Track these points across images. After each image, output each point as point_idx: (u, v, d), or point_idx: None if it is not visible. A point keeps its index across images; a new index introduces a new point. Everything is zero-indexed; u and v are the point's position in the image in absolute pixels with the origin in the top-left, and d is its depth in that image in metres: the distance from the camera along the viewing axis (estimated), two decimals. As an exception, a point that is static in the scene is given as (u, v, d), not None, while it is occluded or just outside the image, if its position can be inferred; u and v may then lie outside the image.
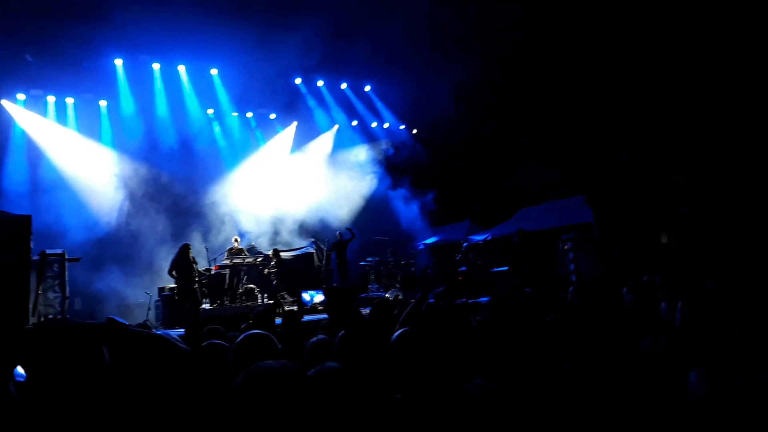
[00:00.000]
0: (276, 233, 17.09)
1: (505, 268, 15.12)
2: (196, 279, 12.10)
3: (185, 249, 12.09)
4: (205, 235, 15.50)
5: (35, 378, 1.91)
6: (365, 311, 7.07)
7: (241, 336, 2.77)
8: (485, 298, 11.32)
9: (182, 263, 11.88)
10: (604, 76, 15.50)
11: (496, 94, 16.68)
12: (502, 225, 17.04)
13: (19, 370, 2.72)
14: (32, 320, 10.12)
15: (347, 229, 15.38)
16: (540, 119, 16.51)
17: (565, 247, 13.99)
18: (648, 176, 15.45)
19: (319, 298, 13.32)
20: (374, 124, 19.68)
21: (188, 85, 16.16)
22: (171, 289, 12.88)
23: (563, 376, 2.22)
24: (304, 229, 17.47)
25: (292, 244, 16.97)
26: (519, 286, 4.60)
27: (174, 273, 11.87)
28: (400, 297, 13.44)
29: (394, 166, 19.45)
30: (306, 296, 13.34)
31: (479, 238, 16.96)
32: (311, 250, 16.45)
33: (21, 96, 14.43)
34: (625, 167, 15.32)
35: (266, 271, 13.96)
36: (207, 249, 13.71)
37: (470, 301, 6.87)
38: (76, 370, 1.95)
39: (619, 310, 4.98)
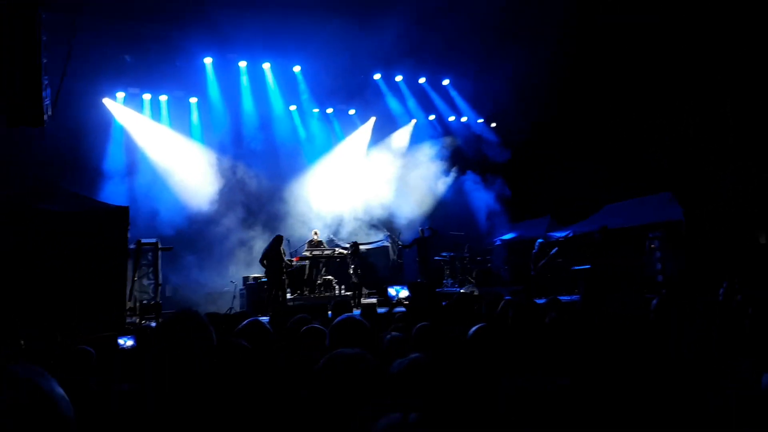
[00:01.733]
0: (353, 226, 17.37)
1: (587, 266, 14.65)
2: (285, 269, 12.63)
3: (278, 240, 12.66)
4: (287, 227, 15.98)
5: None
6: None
7: (339, 318, 2.92)
8: (566, 297, 11.06)
9: (273, 253, 12.43)
10: (698, 61, 14.67)
11: (579, 86, 16.14)
12: (584, 222, 16.46)
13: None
14: (129, 305, 10.84)
15: (430, 228, 15.34)
16: (626, 109, 15.86)
17: (652, 246, 13.40)
18: (743, 170, 14.51)
19: (404, 293, 13.44)
20: (452, 118, 19.55)
21: (273, 82, 16.72)
22: (255, 278, 13.43)
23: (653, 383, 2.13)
24: (380, 223, 17.67)
25: (368, 237, 17.21)
26: (601, 285, 4.45)
27: (265, 262, 12.44)
28: (476, 293, 13.36)
29: (471, 161, 19.25)
30: (392, 291, 13.53)
31: (560, 234, 16.49)
32: (387, 243, 16.62)
33: (120, 94, 15.41)
34: (718, 160, 14.45)
35: (349, 263, 14.27)
36: (288, 241, 14.15)
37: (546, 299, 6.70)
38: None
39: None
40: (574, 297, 11.85)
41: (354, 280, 14.04)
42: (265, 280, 12.90)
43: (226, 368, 2.26)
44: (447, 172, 18.79)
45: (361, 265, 14.18)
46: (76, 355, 3.46)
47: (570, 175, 16.94)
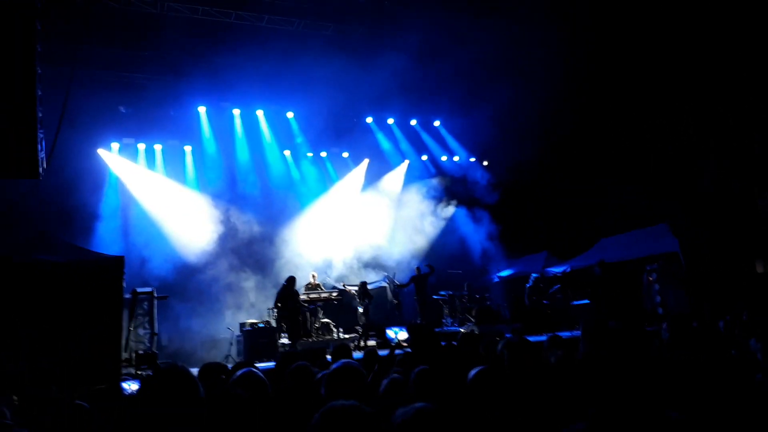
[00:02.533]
0: (350, 268, 17.30)
1: (586, 301, 14.57)
2: (302, 310, 12.53)
3: (291, 281, 12.53)
4: (282, 272, 15.87)
5: None
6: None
7: (334, 366, 2.84)
8: (565, 333, 10.95)
9: (287, 295, 12.30)
10: (685, 99, 14.96)
11: (571, 121, 16.38)
12: (581, 256, 16.45)
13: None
14: (124, 355, 10.67)
15: (427, 265, 15.31)
16: (619, 145, 16.06)
17: (650, 279, 13.37)
18: (737, 200, 14.63)
19: (402, 335, 13.25)
20: (444, 158, 19.75)
21: (266, 128, 16.92)
22: (252, 324, 13.26)
23: (675, 425, 2.04)
24: (375, 264, 17.60)
25: (364, 278, 17.12)
26: (602, 320, 4.34)
27: (279, 305, 12.30)
28: (476, 332, 13.20)
29: (465, 199, 19.35)
30: (390, 333, 13.35)
31: (557, 270, 16.46)
32: (384, 284, 16.51)
33: (115, 145, 15.53)
34: (711, 191, 14.58)
35: (357, 304, 14.21)
36: (285, 284, 14.02)
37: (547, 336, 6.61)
38: None
39: (717, 348, 4.66)
40: (575, 333, 11.74)
41: (362, 321, 13.93)
42: (262, 326, 12.77)
43: (220, 421, 2.21)
44: (441, 211, 18.86)
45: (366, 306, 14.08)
46: (71, 411, 3.38)
47: (565, 210, 17.03)
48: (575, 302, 15.04)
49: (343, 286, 15.50)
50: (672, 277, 13.04)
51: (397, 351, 5.55)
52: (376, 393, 3.41)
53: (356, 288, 14.62)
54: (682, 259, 13.09)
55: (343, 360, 2.88)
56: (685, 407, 2.44)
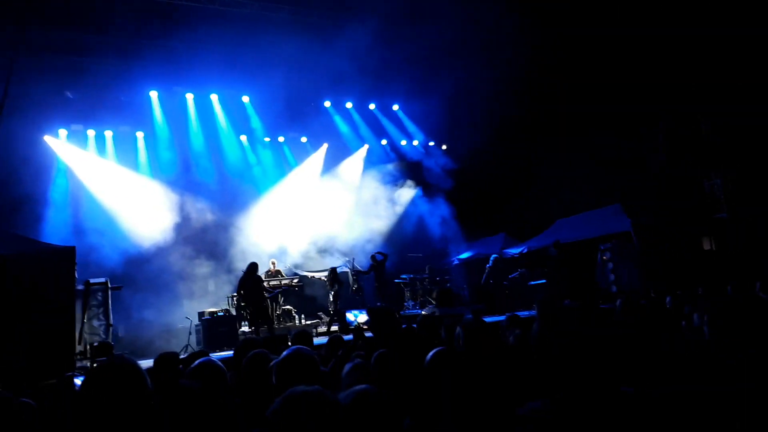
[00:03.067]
0: (310, 254, 17.22)
1: (543, 281, 14.88)
2: (267, 296, 12.34)
3: (253, 267, 12.30)
4: (241, 258, 15.68)
5: None
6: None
7: (284, 353, 2.74)
8: (524, 312, 11.17)
9: (250, 282, 12.07)
10: (637, 83, 15.31)
11: (528, 105, 16.58)
12: (538, 237, 16.78)
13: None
14: (78, 348, 10.38)
15: (380, 252, 15.33)
16: (572, 128, 16.35)
17: (604, 258, 13.73)
18: (686, 181, 15.14)
19: (363, 317, 13.28)
20: (404, 142, 19.76)
21: (221, 113, 16.56)
22: (211, 313, 13.08)
23: (629, 400, 2.08)
24: (337, 250, 17.55)
25: (325, 264, 17.07)
26: (556, 298, 4.42)
27: (242, 292, 12.09)
28: (437, 313, 13.33)
29: (426, 183, 19.46)
30: (350, 316, 13.35)
31: (515, 251, 16.74)
32: (346, 269, 16.51)
33: (63, 131, 14.95)
34: (662, 173, 15.04)
35: (328, 291, 14.20)
36: (244, 272, 13.86)
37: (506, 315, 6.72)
38: None
39: (664, 323, 4.82)
40: (533, 312, 11.99)
41: (332, 307, 13.89)
42: (222, 315, 12.61)
43: (172, 413, 2.15)
44: (401, 195, 18.91)
45: (324, 292, 14.06)
46: (14, 410, 3.24)
47: (522, 192, 17.31)
48: (532, 282, 15.34)
49: (311, 275, 15.43)
50: (625, 255, 13.42)
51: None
52: (339, 378, 3.40)
53: (321, 274, 14.57)
54: (635, 238, 13.48)
55: (294, 347, 2.82)
56: (637, 382, 2.50)
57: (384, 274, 15.02)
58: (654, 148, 15.21)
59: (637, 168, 15.58)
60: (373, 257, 15.21)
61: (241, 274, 13.26)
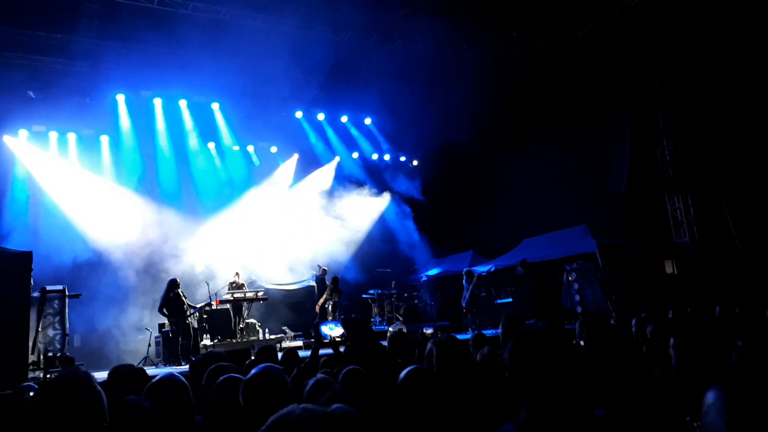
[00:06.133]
0: (276, 266, 16.94)
1: (509, 300, 14.96)
2: (188, 314, 12.07)
3: (172, 284, 12.08)
4: (204, 270, 15.34)
5: None
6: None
7: (253, 371, 2.61)
8: (490, 331, 11.17)
9: (171, 299, 11.85)
10: (601, 106, 15.64)
11: (497, 124, 16.77)
12: (505, 256, 16.90)
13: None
14: (32, 358, 9.95)
15: (318, 266, 15.33)
16: (540, 149, 16.58)
17: (569, 278, 13.87)
18: (648, 205, 15.46)
19: (339, 330, 13.05)
20: (375, 156, 19.75)
21: (189, 120, 16.29)
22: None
23: (602, 423, 2.02)
24: (304, 263, 17.31)
25: (291, 277, 16.86)
26: (517, 318, 4.36)
27: (164, 310, 11.83)
28: (404, 330, 13.24)
29: (395, 198, 19.44)
30: (325, 329, 13.13)
31: (482, 269, 16.82)
32: (312, 282, 16.31)
33: (23, 132, 14.47)
34: (625, 196, 15.32)
35: (329, 299, 14.14)
36: (208, 284, 13.55)
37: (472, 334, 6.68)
38: None
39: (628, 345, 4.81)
40: (497, 331, 12.00)
41: (330, 318, 13.85)
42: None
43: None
44: (370, 210, 18.83)
45: (289, 305, 13.85)
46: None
47: (490, 211, 17.43)
48: (498, 301, 15.40)
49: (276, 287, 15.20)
50: (590, 276, 13.59)
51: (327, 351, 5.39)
52: (300, 396, 3.25)
53: (286, 287, 14.36)
54: (600, 259, 13.68)
55: (263, 365, 2.69)
56: (609, 405, 2.46)
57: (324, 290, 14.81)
58: (619, 169, 15.50)
59: (603, 189, 15.85)
60: (322, 269, 15.12)
61: (206, 286, 13.07)
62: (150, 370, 6.36)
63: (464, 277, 15.22)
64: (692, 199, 14.89)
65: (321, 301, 14.37)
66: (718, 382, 1.64)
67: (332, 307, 14.09)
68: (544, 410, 1.82)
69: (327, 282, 14.72)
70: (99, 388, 1.85)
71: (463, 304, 14.73)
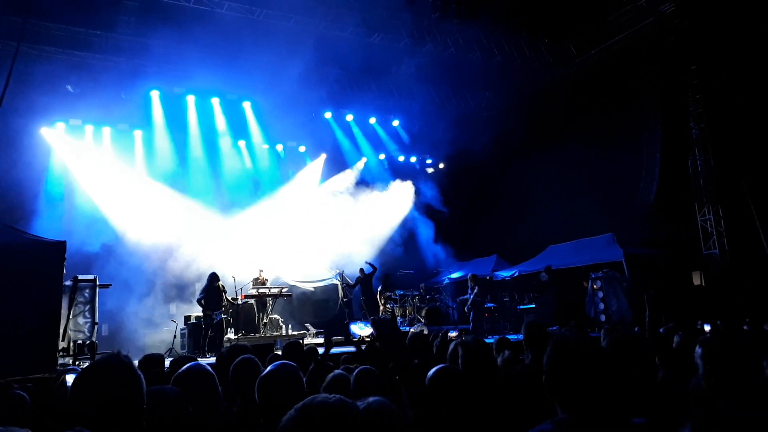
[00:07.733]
0: (300, 264, 17.09)
1: (532, 305, 14.87)
2: (225, 308, 12.27)
3: (213, 277, 12.30)
4: (232, 265, 15.52)
5: None
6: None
7: (269, 368, 2.65)
8: (513, 336, 11.12)
9: (211, 291, 12.06)
10: (632, 115, 15.47)
11: (526, 129, 16.69)
12: (529, 261, 16.78)
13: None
14: (62, 345, 10.21)
15: (368, 263, 15.31)
16: (568, 156, 16.45)
17: (594, 286, 13.73)
18: (677, 215, 15.23)
19: (368, 330, 13.12)
20: (401, 158, 19.80)
21: (221, 117, 16.56)
22: (197, 317, 12.94)
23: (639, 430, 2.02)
24: (329, 261, 17.43)
25: (315, 275, 16.98)
26: (539, 325, 4.34)
27: (203, 302, 12.05)
28: (425, 332, 13.24)
29: (421, 201, 19.45)
30: (355, 328, 13.22)
31: (506, 273, 16.73)
32: (336, 281, 16.42)
33: (61, 125, 14.88)
34: (653, 206, 15.11)
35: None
36: (234, 278, 13.74)
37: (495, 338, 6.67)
38: None
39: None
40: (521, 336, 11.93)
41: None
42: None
43: (155, 421, 2.08)
44: (395, 211, 18.86)
45: (312, 303, 13.98)
46: (8, 400, 3.15)
47: (516, 216, 17.33)
48: (521, 306, 15.31)
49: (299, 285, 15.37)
50: (615, 285, 13.44)
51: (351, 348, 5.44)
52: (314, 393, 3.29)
53: (310, 285, 14.50)
54: (626, 268, 13.52)
55: (280, 362, 2.72)
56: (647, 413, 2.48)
57: (371, 287, 14.98)
58: (648, 180, 15.30)
59: (631, 198, 15.66)
60: (361, 270, 15.16)
61: (231, 280, 13.25)
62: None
63: (469, 282, 15.22)
64: (723, 210, 14.62)
65: (379, 296, 15.00)
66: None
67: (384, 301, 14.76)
68: (583, 412, 1.85)
69: (372, 280, 15.00)
70: (139, 371, 1.94)
71: (466, 309, 14.69)
